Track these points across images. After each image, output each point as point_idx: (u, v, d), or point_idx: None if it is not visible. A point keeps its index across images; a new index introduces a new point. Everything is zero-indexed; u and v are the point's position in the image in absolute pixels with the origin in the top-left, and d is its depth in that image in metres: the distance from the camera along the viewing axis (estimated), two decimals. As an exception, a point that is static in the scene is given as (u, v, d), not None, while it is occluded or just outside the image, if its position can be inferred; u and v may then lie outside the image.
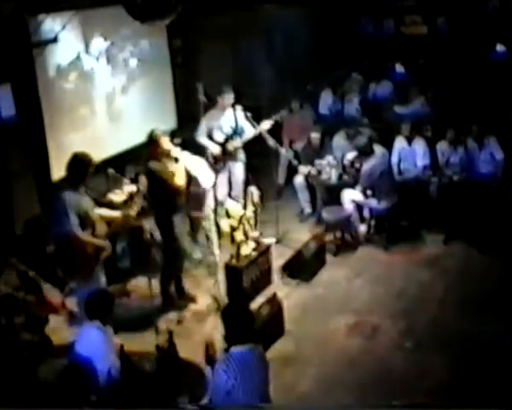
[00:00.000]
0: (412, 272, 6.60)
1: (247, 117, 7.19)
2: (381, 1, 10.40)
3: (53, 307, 5.74)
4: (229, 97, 7.26)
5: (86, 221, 5.08)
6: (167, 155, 5.95)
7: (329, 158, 7.76)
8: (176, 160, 6.02)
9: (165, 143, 5.96)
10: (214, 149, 7.24)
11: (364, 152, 7.10)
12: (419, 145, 7.73)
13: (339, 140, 8.09)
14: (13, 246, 6.28)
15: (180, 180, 5.93)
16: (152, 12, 5.31)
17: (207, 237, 6.65)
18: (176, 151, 6.07)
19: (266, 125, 7.19)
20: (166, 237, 5.96)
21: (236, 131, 7.31)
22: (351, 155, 7.45)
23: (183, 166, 6.11)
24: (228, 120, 7.31)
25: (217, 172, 7.01)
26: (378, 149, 7.14)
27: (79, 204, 5.04)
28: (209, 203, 6.42)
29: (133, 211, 5.53)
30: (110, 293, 4.57)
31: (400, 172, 7.77)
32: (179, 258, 6.14)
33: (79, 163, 5.11)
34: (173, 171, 5.92)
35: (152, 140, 5.91)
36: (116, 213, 5.48)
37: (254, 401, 3.43)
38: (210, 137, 7.32)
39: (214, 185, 6.71)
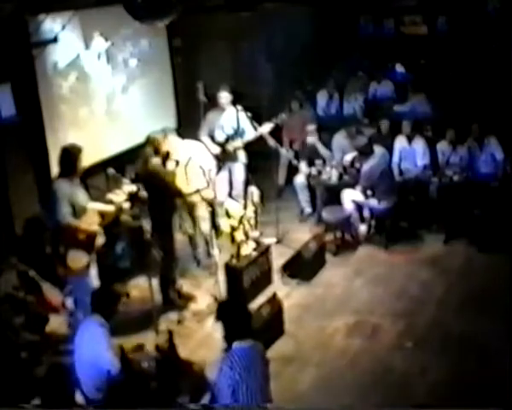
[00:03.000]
0: (412, 271, 6.60)
1: (248, 118, 7.19)
2: (381, 1, 10.39)
3: (53, 306, 5.75)
4: (225, 96, 7.27)
5: (79, 212, 5.11)
6: (166, 156, 5.99)
7: (328, 155, 7.78)
8: (177, 163, 6.05)
9: (163, 145, 6.04)
10: (214, 150, 7.24)
11: (364, 152, 7.11)
12: (419, 145, 7.73)
13: (339, 139, 8.09)
14: (13, 246, 6.29)
15: (180, 182, 5.97)
16: (152, 12, 5.31)
17: (206, 240, 6.67)
18: (174, 147, 6.17)
19: (266, 128, 7.20)
20: (164, 238, 5.98)
21: (237, 132, 7.31)
22: (349, 156, 7.45)
23: (184, 165, 6.17)
24: (229, 120, 7.32)
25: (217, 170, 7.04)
26: (378, 150, 7.14)
27: (72, 194, 5.07)
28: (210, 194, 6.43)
29: (126, 204, 5.53)
30: (116, 291, 4.54)
31: (401, 173, 7.77)
32: (176, 259, 6.17)
33: (68, 154, 5.17)
34: (173, 172, 5.96)
35: (150, 142, 5.98)
36: (109, 207, 5.49)
37: (257, 396, 3.45)
38: (211, 136, 7.32)
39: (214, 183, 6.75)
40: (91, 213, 5.22)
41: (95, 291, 4.45)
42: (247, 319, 3.67)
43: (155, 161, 5.99)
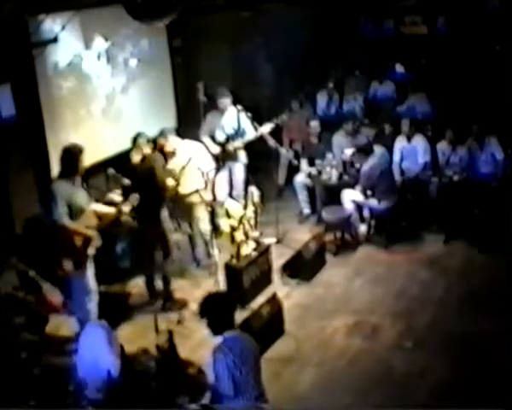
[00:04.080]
0: (412, 271, 6.60)
1: (248, 118, 7.19)
2: (381, 1, 10.39)
3: (53, 306, 5.75)
4: (224, 102, 7.28)
5: (77, 213, 5.10)
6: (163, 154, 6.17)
7: (329, 156, 7.77)
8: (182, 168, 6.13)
9: (165, 145, 6.27)
10: (214, 150, 7.24)
11: (364, 151, 7.10)
12: (419, 142, 7.74)
13: (339, 138, 8.09)
14: (13, 246, 6.29)
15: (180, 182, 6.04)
16: (152, 12, 5.31)
17: (205, 240, 6.67)
18: (174, 147, 6.34)
19: (267, 128, 7.20)
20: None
21: (238, 132, 7.32)
22: (349, 151, 7.44)
23: (184, 165, 6.21)
24: (230, 121, 7.32)
25: (217, 170, 7.07)
26: (377, 149, 7.14)
27: (71, 195, 5.06)
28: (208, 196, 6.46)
29: (126, 207, 5.53)
30: (126, 302, 4.56)
31: (402, 172, 7.76)
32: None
33: (69, 154, 5.17)
34: (163, 170, 6.09)
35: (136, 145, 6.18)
36: (110, 209, 5.49)
37: (252, 380, 3.56)
38: (211, 137, 7.33)
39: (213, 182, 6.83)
40: (89, 215, 5.21)
41: (103, 302, 4.44)
42: (231, 309, 3.72)
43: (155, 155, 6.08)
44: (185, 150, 6.45)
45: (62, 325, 5.70)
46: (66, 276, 5.22)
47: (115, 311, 4.33)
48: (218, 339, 3.63)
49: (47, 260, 5.50)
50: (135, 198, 5.57)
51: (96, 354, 4.11)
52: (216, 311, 3.66)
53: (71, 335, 5.34)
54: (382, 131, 8.15)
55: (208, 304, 3.71)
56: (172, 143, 6.48)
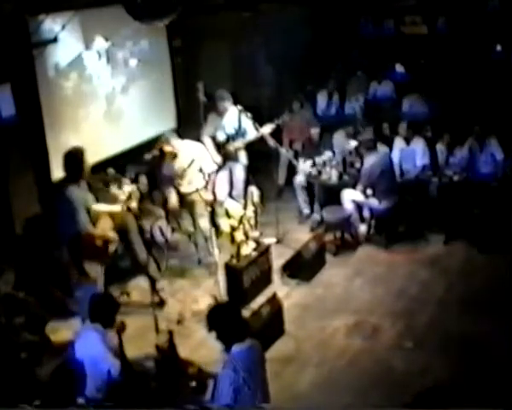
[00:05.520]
0: (412, 271, 6.60)
1: (249, 118, 7.20)
2: (381, 1, 10.40)
3: (59, 299, 5.76)
4: (224, 104, 7.27)
5: (92, 216, 5.11)
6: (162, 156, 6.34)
7: (329, 156, 7.77)
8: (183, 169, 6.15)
9: (168, 148, 6.32)
10: (215, 150, 7.24)
11: (367, 146, 7.09)
12: (418, 145, 7.74)
13: (339, 139, 8.09)
14: (13, 246, 6.29)
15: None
16: (152, 12, 5.32)
17: (205, 239, 6.67)
18: (177, 150, 6.36)
19: (267, 128, 7.20)
20: None
21: (239, 132, 7.32)
22: (353, 143, 7.43)
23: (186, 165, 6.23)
24: (231, 121, 7.32)
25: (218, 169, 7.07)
26: (381, 148, 7.15)
27: (85, 200, 5.08)
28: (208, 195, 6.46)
29: (133, 203, 5.52)
30: (115, 299, 4.56)
31: (402, 174, 7.76)
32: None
33: (73, 157, 5.17)
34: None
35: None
36: (116, 207, 5.48)
37: (258, 395, 3.45)
38: (212, 137, 7.33)
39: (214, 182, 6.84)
40: (104, 218, 5.22)
41: (93, 301, 4.43)
42: (240, 323, 3.61)
43: None
44: (187, 152, 6.44)
45: (62, 326, 5.70)
46: (91, 284, 5.20)
47: (109, 311, 4.33)
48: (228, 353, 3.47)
49: (48, 260, 5.51)
50: (137, 194, 5.59)
51: (94, 357, 4.11)
52: (223, 321, 3.53)
53: (71, 336, 5.34)
54: (381, 131, 8.15)
55: (215, 315, 3.59)
56: (176, 147, 6.45)
